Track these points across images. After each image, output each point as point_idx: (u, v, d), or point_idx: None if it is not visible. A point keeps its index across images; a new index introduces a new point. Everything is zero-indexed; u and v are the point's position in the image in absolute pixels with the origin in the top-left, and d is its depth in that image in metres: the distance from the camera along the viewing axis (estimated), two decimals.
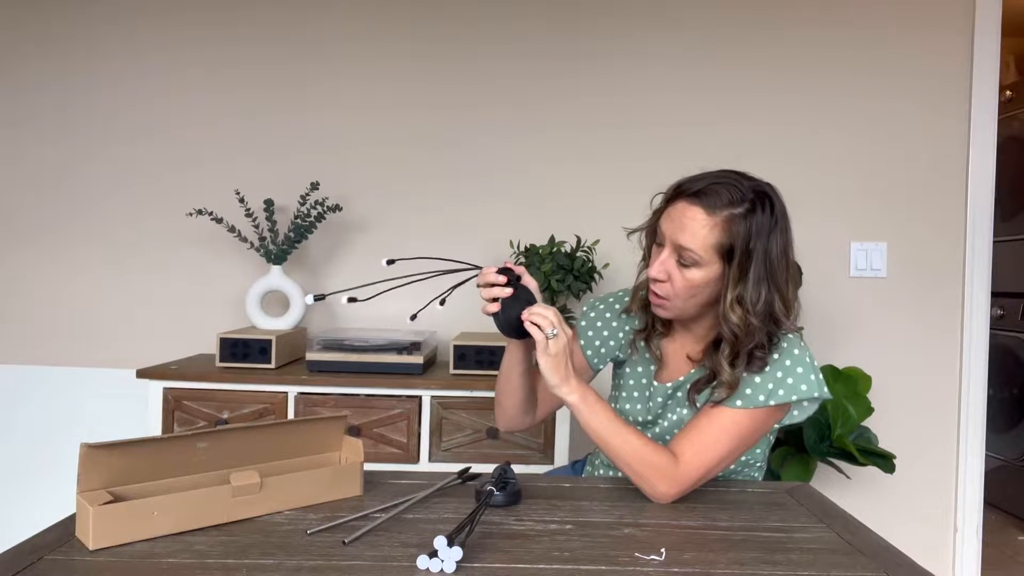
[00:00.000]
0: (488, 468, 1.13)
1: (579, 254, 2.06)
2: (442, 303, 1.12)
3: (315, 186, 2.11)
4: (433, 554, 0.81)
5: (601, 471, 1.37)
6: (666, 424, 1.23)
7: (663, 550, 0.89)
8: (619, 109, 2.26)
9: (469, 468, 1.16)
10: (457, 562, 0.81)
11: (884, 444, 2.05)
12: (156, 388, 1.87)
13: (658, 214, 1.19)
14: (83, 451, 0.85)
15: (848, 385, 2.02)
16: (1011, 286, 3.12)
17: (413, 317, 1.14)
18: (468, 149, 2.27)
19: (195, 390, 1.87)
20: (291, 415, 1.87)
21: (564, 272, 2.02)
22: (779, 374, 1.13)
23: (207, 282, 2.27)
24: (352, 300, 1.08)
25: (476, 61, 2.26)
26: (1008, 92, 3.19)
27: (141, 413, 2.01)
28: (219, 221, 2.10)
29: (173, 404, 1.87)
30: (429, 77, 2.26)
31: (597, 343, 1.34)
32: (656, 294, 1.17)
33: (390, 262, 1.12)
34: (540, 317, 1.07)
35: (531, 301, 1.10)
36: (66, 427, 2.23)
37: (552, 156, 2.26)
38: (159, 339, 2.24)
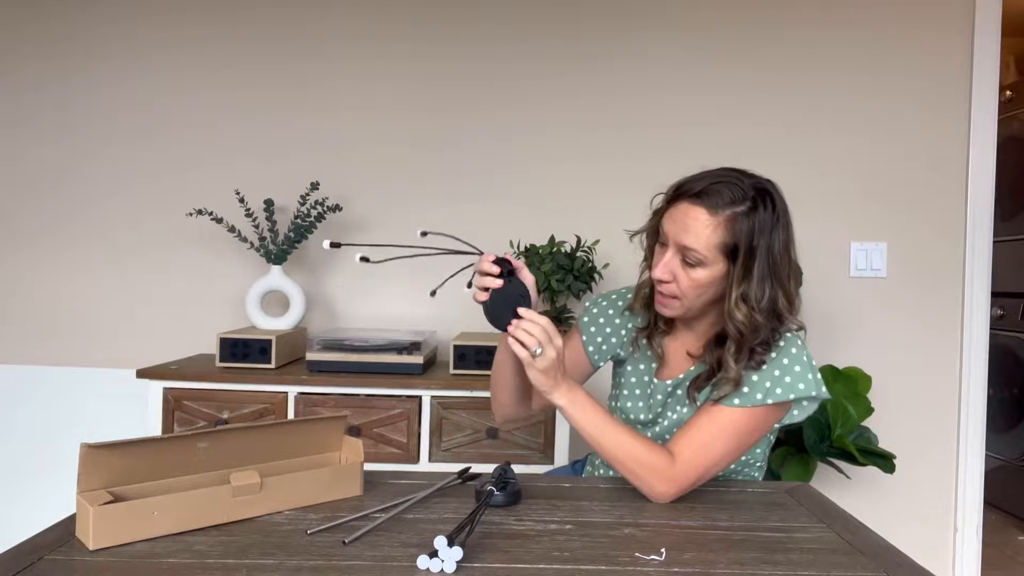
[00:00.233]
0: (488, 468, 1.13)
1: (579, 254, 2.06)
2: (469, 286, 1.12)
3: (315, 186, 2.11)
4: (433, 554, 0.81)
5: (601, 471, 1.37)
6: (666, 423, 1.23)
7: (663, 550, 0.89)
8: (619, 109, 2.26)
9: (469, 468, 1.16)
10: (457, 562, 0.81)
11: (884, 444, 2.05)
12: (156, 388, 1.87)
13: (659, 214, 1.19)
14: (83, 451, 0.85)
15: (848, 385, 2.02)
16: (1011, 286, 3.12)
17: (433, 293, 1.14)
18: (468, 149, 2.27)
19: (195, 390, 1.87)
20: (291, 415, 1.87)
21: (564, 272, 2.02)
22: (777, 372, 1.13)
23: (207, 282, 2.27)
24: (364, 259, 1.07)
25: (476, 62, 2.26)
26: (1008, 92, 3.19)
27: (141, 413, 2.01)
28: (219, 221, 2.10)
29: (173, 404, 1.87)
30: (429, 77, 2.26)
31: (599, 339, 1.34)
32: (662, 294, 1.17)
33: (424, 234, 1.12)
34: (525, 334, 1.06)
35: (524, 296, 1.09)
36: (66, 427, 2.23)
37: (552, 156, 2.26)
38: (159, 339, 2.24)
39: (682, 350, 1.25)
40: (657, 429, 1.25)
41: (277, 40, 2.26)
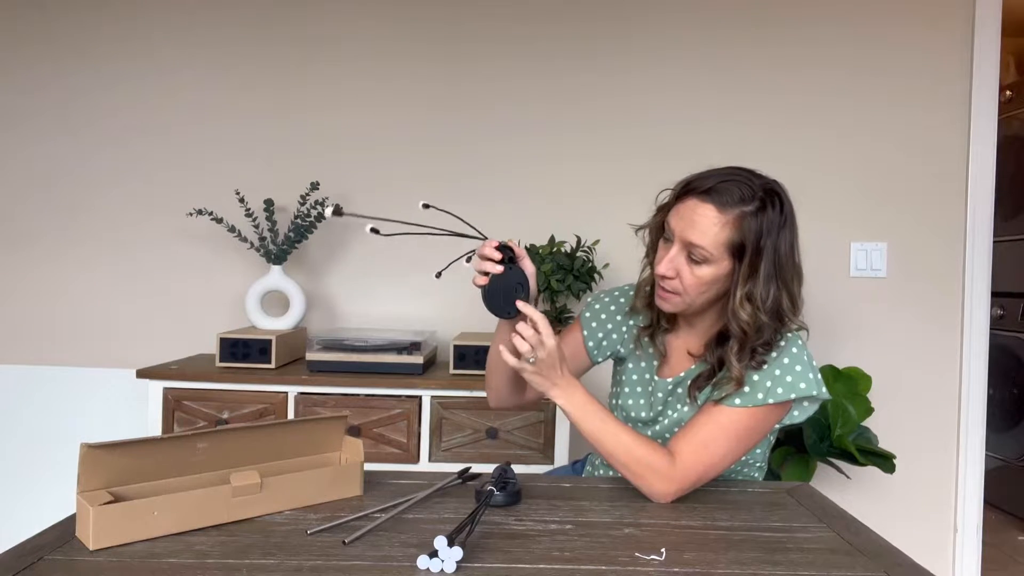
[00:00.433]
0: (488, 468, 1.13)
1: (579, 254, 2.06)
2: (468, 260, 1.12)
3: (315, 186, 2.11)
4: (433, 554, 0.81)
5: (601, 471, 1.37)
6: (666, 422, 1.23)
7: (663, 550, 0.89)
8: (619, 109, 2.26)
9: (469, 468, 1.16)
10: (457, 562, 0.81)
11: (884, 444, 2.05)
12: (156, 388, 1.87)
13: (665, 210, 1.18)
14: (83, 451, 0.85)
15: (848, 385, 2.02)
16: (1011, 286, 3.12)
17: (438, 275, 1.15)
18: (468, 149, 2.27)
19: (195, 390, 1.87)
20: (291, 415, 1.87)
21: (564, 272, 2.02)
22: (778, 372, 1.13)
23: (207, 282, 2.27)
24: (375, 231, 1.08)
25: (476, 61, 2.26)
26: (1008, 92, 3.19)
27: (141, 413, 2.01)
28: (219, 221, 2.10)
29: (173, 404, 1.87)
30: (429, 77, 2.26)
31: (600, 335, 1.34)
32: (664, 289, 1.17)
33: (426, 206, 1.13)
34: (519, 339, 1.08)
35: (522, 284, 1.10)
36: (66, 427, 2.23)
37: (552, 156, 2.26)
38: (159, 339, 2.24)
39: (684, 348, 1.25)
40: (657, 428, 1.25)
41: (277, 40, 2.26)
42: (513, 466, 1.12)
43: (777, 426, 1.19)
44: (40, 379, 2.25)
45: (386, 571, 0.81)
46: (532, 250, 2.08)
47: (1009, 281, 3.10)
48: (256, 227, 2.09)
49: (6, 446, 2.25)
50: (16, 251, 2.28)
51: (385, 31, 2.26)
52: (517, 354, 1.12)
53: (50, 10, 2.26)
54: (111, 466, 0.88)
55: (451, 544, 0.81)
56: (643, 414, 1.27)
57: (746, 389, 1.13)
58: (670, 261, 1.14)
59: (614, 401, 1.35)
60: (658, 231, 1.21)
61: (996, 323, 2.96)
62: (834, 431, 1.94)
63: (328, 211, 1.09)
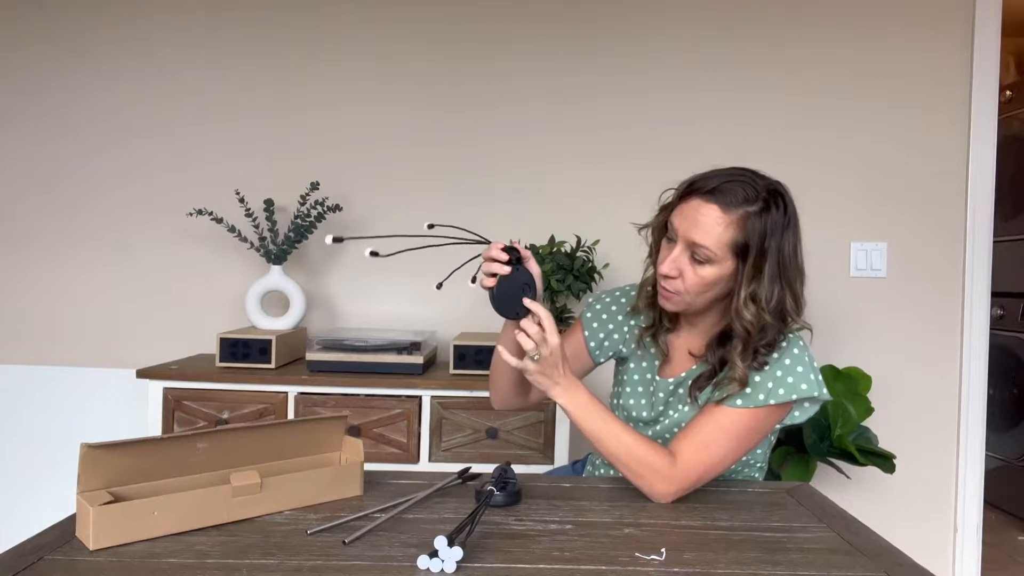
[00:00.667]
0: (488, 468, 1.13)
1: (579, 254, 2.06)
2: (473, 280, 1.13)
3: (315, 186, 2.11)
4: (433, 554, 0.81)
5: (601, 471, 1.37)
6: (667, 422, 1.23)
7: (663, 550, 0.89)
8: (620, 109, 2.26)
9: (469, 468, 1.16)
10: (457, 562, 0.81)
11: (884, 444, 2.05)
12: (156, 388, 1.87)
13: (668, 210, 1.18)
14: (83, 451, 0.85)
15: (848, 385, 2.02)
16: (1011, 286, 3.12)
17: (439, 286, 1.15)
18: (468, 149, 2.27)
19: (195, 390, 1.87)
20: (291, 415, 1.87)
21: (564, 272, 2.02)
22: (779, 373, 1.13)
23: (207, 282, 2.27)
24: (374, 254, 1.08)
25: (477, 62, 2.26)
26: (1008, 92, 3.19)
27: (141, 413, 2.01)
28: (219, 221, 2.10)
29: (173, 404, 1.87)
30: (429, 77, 2.26)
31: (601, 335, 1.34)
32: (666, 288, 1.17)
33: (431, 226, 1.12)
34: (523, 336, 1.08)
35: (529, 284, 1.11)
36: (66, 427, 2.23)
37: (552, 156, 2.26)
38: (159, 339, 2.24)
39: (685, 348, 1.25)
40: (658, 428, 1.25)
41: (277, 40, 2.26)
42: (513, 466, 1.12)
43: (778, 426, 1.19)
44: (40, 379, 2.25)
45: (386, 571, 0.81)
46: (532, 250, 2.08)
47: (1009, 281, 3.10)
48: (256, 227, 2.09)
49: (6, 446, 2.25)
50: (16, 251, 2.28)
51: (385, 31, 2.26)
52: (519, 355, 1.12)
53: (50, 10, 2.26)
54: (111, 466, 0.88)
55: (451, 544, 0.81)
56: (644, 414, 1.27)
57: (747, 390, 1.13)
58: (673, 261, 1.14)
59: (615, 401, 1.35)
60: (661, 231, 1.21)
61: (996, 323, 2.96)
62: (834, 431, 1.94)
63: (328, 239, 1.09)
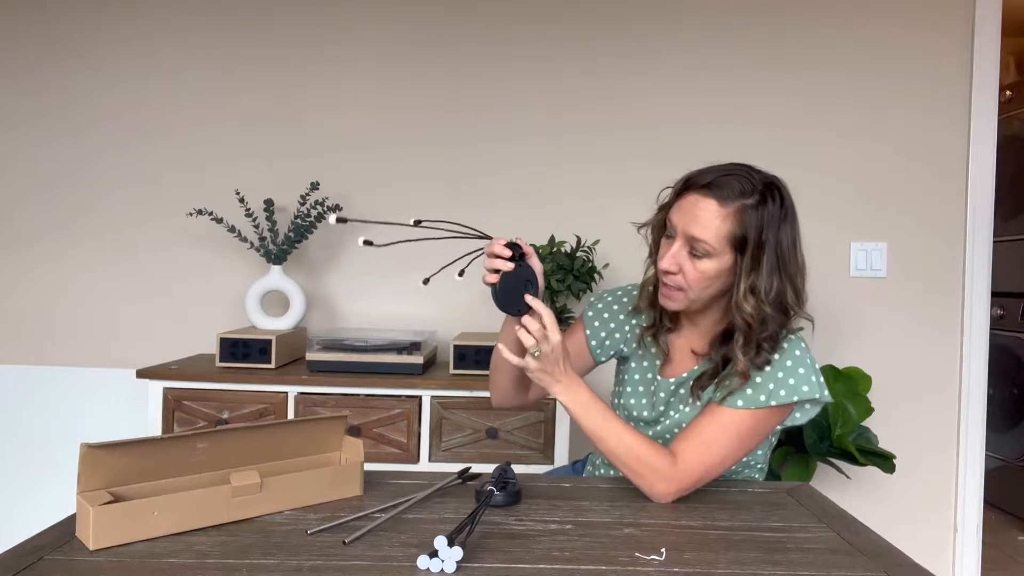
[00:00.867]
0: (488, 468, 1.13)
1: (579, 254, 2.06)
2: (460, 274, 1.12)
3: (315, 186, 2.11)
4: (433, 554, 0.81)
5: (601, 471, 1.37)
6: (668, 422, 1.23)
7: (663, 550, 0.89)
8: (619, 109, 2.26)
9: (469, 468, 1.16)
10: (457, 562, 0.81)
11: (884, 444, 2.05)
12: (156, 388, 1.87)
13: (667, 208, 1.19)
14: (83, 451, 0.85)
15: (848, 385, 2.02)
16: (1011, 286, 3.12)
17: (426, 281, 1.15)
18: (468, 149, 2.27)
19: (195, 390, 1.87)
20: (291, 415, 1.87)
21: (564, 272, 2.02)
22: (780, 374, 1.13)
23: (207, 282, 2.26)
24: (368, 243, 1.08)
25: (476, 62, 2.26)
26: (1008, 92, 3.19)
27: (141, 413, 2.01)
28: (219, 221, 2.10)
29: (173, 404, 1.87)
30: (429, 77, 2.26)
31: (603, 334, 1.34)
32: (667, 285, 1.17)
33: (417, 222, 1.11)
34: (523, 332, 1.08)
35: (531, 281, 1.11)
36: (66, 427, 2.23)
37: (552, 156, 2.26)
38: (159, 339, 2.24)
39: (687, 348, 1.25)
40: (659, 428, 1.25)
41: (277, 40, 2.26)
42: (513, 466, 1.12)
43: (779, 427, 1.19)
44: (40, 379, 2.25)
45: (386, 571, 0.81)
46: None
47: (1009, 281, 3.10)
48: (256, 227, 2.09)
49: (6, 446, 2.25)
50: (16, 251, 2.28)
51: (385, 32, 2.26)
52: (520, 352, 1.12)
53: (50, 10, 2.26)
54: (111, 466, 0.88)
55: (451, 544, 0.81)
56: (645, 414, 1.27)
57: (748, 391, 1.13)
58: (673, 256, 1.15)
59: (616, 400, 1.35)
60: (660, 229, 1.21)
61: (996, 323, 2.96)
62: (834, 431, 1.94)
63: (332, 218, 1.08)
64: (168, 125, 2.27)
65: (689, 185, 1.15)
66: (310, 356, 1.91)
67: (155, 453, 0.92)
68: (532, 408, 1.85)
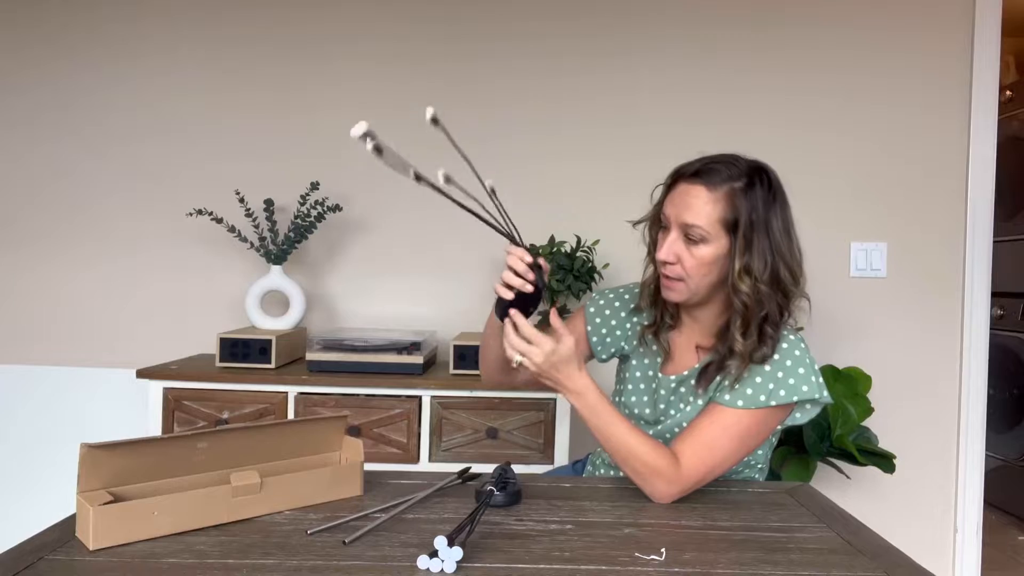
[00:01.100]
0: (488, 468, 1.13)
1: (579, 254, 2.06)
2: (447, 180, 1.09)
3: (315, 186, 2.10)
4: (433, 554, 0.81)
5: (602, 471, 1.38)
6: (669, 421, 1.24)
7: (663, 550, 0.89)
8: (620, 108, 2.26)
9: (469, 468, 1.16)
10: (457, 562, 0.81)
11: (884, 444, 2.05)
12: (156, 388, 1.87)
13: (660, 203, 1.21)
14: (83, 451, 0.85)
15: (848, 385, 2.02)
16: (1011, 286, 3.12)
17: (418, 178, 1.11)
18: (468, 148, 2.25)
19: (195, 390, 1.87)
20: (291, 415, 1.87)
21: (564, 272, 2.02)
22: (780, 374, 1.14)
23: (207, 282, 2.26)
24: (373, 145, 1.03)
25: (476, 61, 2.26)
26: (1008, 92, 3.19)
27: (141, 413, 2.01)
28: (219, 221, 2.09)
29: (173, 404, 1.87)
30: (429, 77, 2.26)
31: (604, 331, 1.35)
32: (668, 276, 1.18)
33: (447, 179, 1.10)
34: (510, 350, 1.10)
35: (539, 300, 1.12)
36: (66, 427, 2.23)
37: (552, 155, 2.26)
38: (159, 339, 2.24)
39: (688, 345, 1.26)
40: (660, 427, 1.25)
41: (277, 40, 2.26)
42: (513, 466, 1.12)
43: (779, 427, 1.20)
44: (40, 379, 2.25)
45: (386, 571, 0.81)
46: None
47: (1009, 281, 3.10)
48: (256, 227, 2.09)
49: (6, 446, 2.24)
50: (16, 251, 2.27)
51: (385, 31, 2.26)
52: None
53: (50, 10, 2.26)
54: (111, 466, 0.88)
55: (451, 544, 0.81)
56: (647, 412, 1.27)
57: (748, 391, 1.13)
58: (669, 246, 1.17)
59: (618, 399, 1.36)
60: (656, 225, 1.23)
61: (996, 323, 2.96)
62: (834, 431, 1.94)
63: (366, 140, 0.97)
64: (168, 125, 2.27)
65: (678, 176, 1.19)
66: (310, 356, 1.91)
67: (155, 453, 0.92)
68: (530, 405, 1.85)
